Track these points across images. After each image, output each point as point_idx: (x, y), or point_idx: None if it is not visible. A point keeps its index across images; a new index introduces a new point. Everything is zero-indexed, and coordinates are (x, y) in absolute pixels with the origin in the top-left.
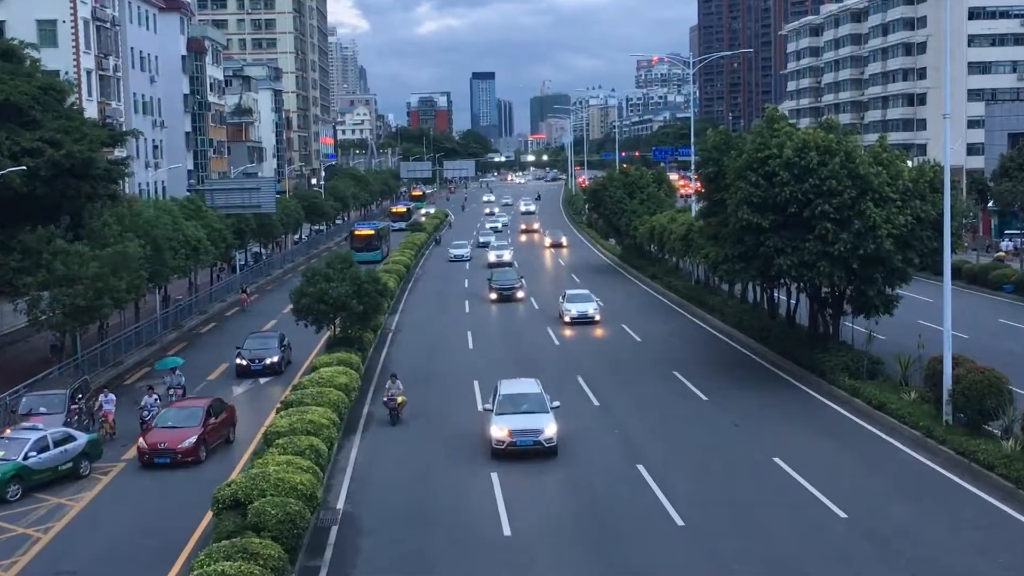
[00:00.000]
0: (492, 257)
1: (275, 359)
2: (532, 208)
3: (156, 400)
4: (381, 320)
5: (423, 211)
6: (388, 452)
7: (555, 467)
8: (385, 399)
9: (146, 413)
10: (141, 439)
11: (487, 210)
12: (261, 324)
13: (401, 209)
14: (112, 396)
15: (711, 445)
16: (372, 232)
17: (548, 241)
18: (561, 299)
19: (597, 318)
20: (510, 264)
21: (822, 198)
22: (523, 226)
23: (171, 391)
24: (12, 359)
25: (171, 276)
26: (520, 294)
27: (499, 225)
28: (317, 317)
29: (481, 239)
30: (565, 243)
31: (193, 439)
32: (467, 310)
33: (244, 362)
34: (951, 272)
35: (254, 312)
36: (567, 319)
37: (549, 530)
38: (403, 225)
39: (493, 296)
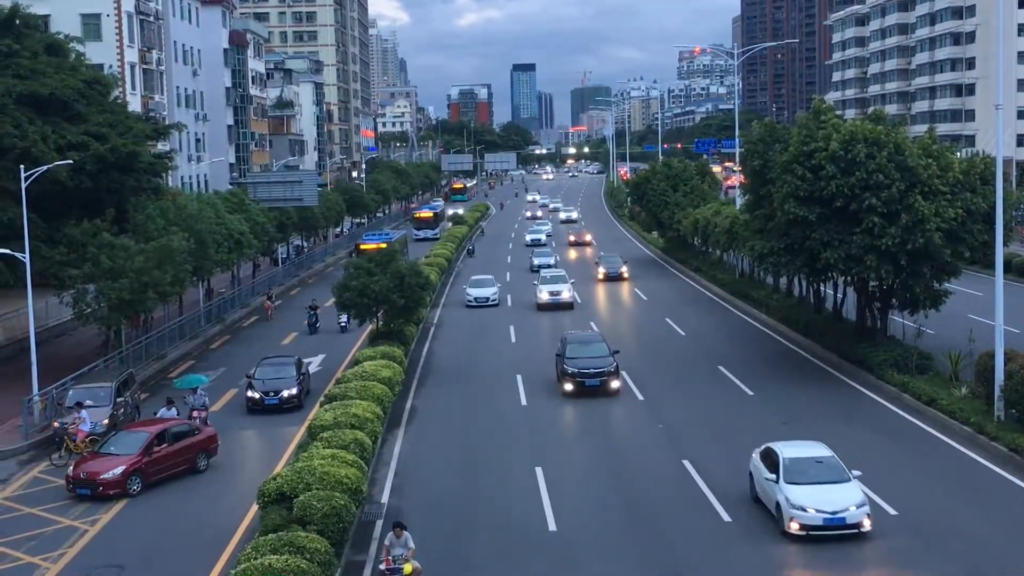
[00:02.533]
0: (544, 296)
1: (293, 391)
2: (574, 215)
3: (175, 415)
4: (423, 314)
5: (450, 212)
6: (432, 445)
7: (599, 461)
8: (383, 567)
9: None
10: (72, 466)
11: (528, 213)
12: (303, 318)
13: (426, 214)
14: (85, 414)
15: (757, 440)
16: (383, 246)
17: (601, 272)
18: (767, 473)
19: (867, 526)
20: (570, 305)
21: (869, 191)
22: (572, 238)
23: (194, 413)
24: (58, 352)
25: (214, 269)
26: (615, 384)
27: (542, 237)
28: (360, 311)
29: (535, 261)
30: (625, 274)
31: (119, 470)
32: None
33: (256, 395)
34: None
35: (294, 306)
36: (795, 528)
37: (594, 525)
38: (429, 234)
39: (569, 387)
